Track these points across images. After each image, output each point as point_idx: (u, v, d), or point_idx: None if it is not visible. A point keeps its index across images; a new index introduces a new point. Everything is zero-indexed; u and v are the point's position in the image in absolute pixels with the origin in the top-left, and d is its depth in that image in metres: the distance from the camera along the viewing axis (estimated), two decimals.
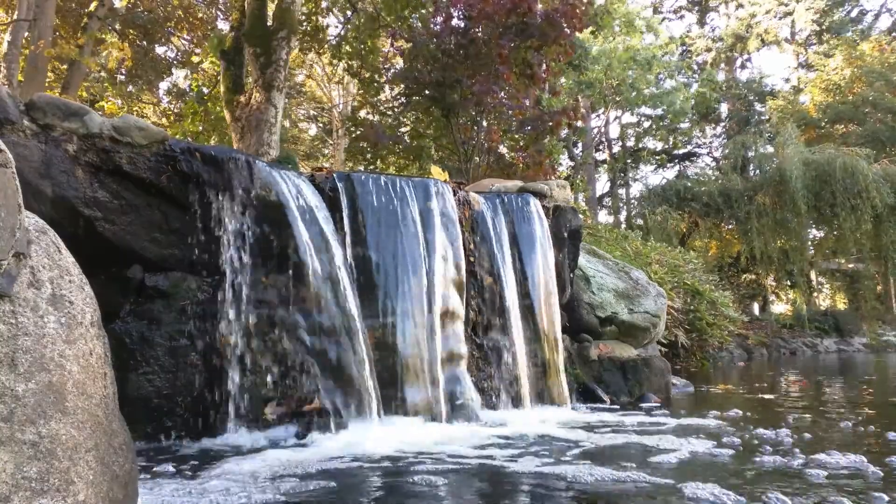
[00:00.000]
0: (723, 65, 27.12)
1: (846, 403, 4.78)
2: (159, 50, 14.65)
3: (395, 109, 12.03)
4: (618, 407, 4.67)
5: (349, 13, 13.68)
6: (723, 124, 26.61)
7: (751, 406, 4.55)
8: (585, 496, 2.05)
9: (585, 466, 2.41)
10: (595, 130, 23.65)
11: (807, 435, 3.15)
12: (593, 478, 2.23)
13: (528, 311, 4.46)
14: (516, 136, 10.98)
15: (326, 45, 13.96)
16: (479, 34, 8.93)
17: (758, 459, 2.56)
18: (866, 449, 2.77)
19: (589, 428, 3.52)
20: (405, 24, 11.32)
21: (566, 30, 9.17)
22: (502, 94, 9.35)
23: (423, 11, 11.02)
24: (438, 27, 9.28)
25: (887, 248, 16.40)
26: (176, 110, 15.98)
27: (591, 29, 19.23)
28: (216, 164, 3.37)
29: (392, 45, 10.61)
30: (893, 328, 18.89)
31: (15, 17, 8.53)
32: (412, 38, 9.66)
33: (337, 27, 14.79)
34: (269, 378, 3.29)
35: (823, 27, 24.98)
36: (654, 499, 1.99)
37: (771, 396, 5.43)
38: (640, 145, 25.55)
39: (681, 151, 26.00)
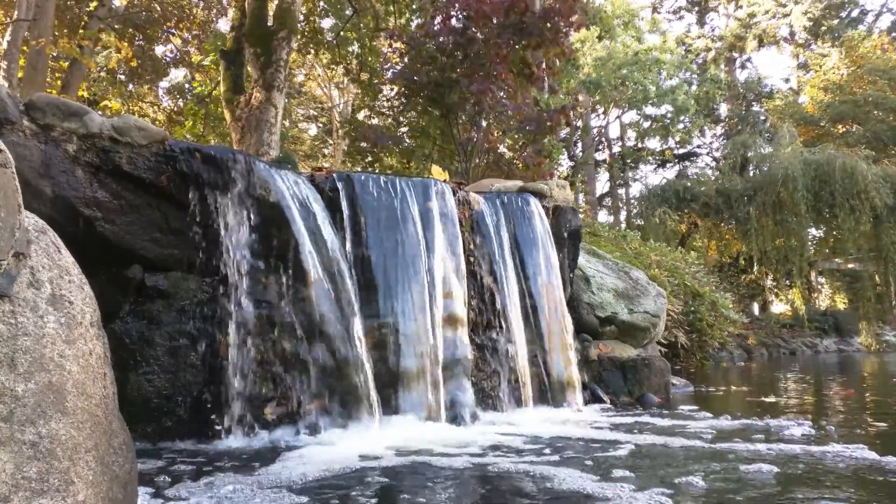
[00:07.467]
0: (723, 65, 27.11)
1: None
2: (158, 50, 14.67)
3: (395, 110, 12.02)
4: (620, 407, 4.67)
5: (348, 14, 13.68)
6: (722, 124, 26.62)
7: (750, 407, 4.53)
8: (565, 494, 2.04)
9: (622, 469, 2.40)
10: (595, 130, 23.63)
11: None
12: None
13: (532, 311, 4.45)
14: (515, 136, 10.98)
15: (325, 47, 13.97)
16: (478, 34, 8.93)
17: None
18: None
19: (597, 428, 3.52)
20: (405, 27, 11.33)
21: (564, 29, 9.17)
22: (501, 93, 9.34)
23: (423, 20, 11.03)
24: (437, 27, 9.28)
25: (887, 248, 16.39)
26: (176, 109, 15.99)
27: (596, 32, 19.27)
28: (216, 164, 3.37)
29: (390, 45, 10.60)
30: (893, 328, 18.88)
31: (15, 16, 8.52)
32: (410, 39, 9.67)
33: (337, 27, 14.78)
34: (268, 378, 3.29)
35: (821, 29, 24.98)
36: None
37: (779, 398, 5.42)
38: (641, 145, 25.54)
39: (681, 151, 26.00)
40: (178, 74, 17.19)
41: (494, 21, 8.81)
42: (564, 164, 22.05)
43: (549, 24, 8.87)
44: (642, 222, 19.04)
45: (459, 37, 8.99)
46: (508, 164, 10.11)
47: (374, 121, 13.63)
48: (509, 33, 8.81)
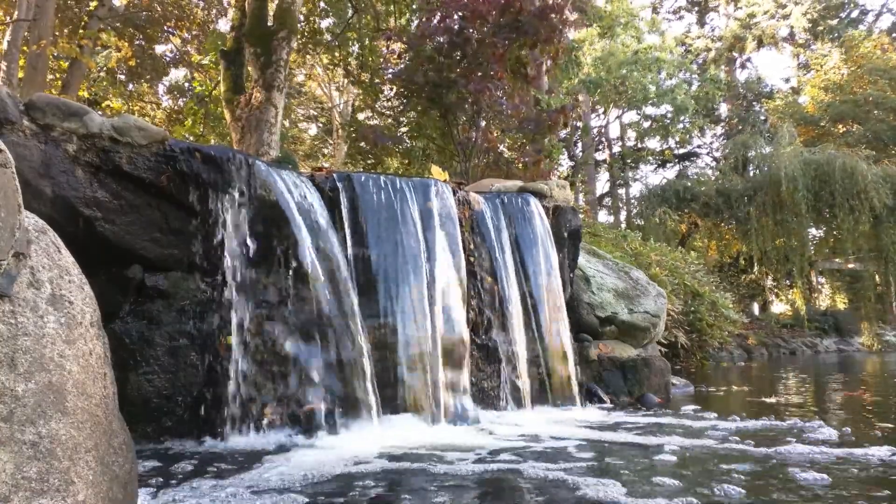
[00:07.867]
0: (723, 65, 27.10)
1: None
2: (158, 49, 14.68)
3: (395, 110, 12.03)
4: (620, 407, 4.66)
5: (349, 14, 13.68)
6: (722, 124, 26.62)
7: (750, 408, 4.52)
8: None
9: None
10: (595, 130, 23.63)
11: None
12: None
13: (532, 311, 4.45)
14: (514, 136, 10.98)
15: (325, 48, 13.97)
16: (473, 34, 8.93)
17: None
18: None
19: (597, 429, 3.51)
20: (405, 28, 11.33)
21: (559, 27, 9.17)
22: (499, 92, 9.34)
23: (423, 20, 11.04)
24: (433, 28, 9.28)
25: (887, 248, 16.39)
26: (176, 109, 15.99)
27: (596, 32, 19.28)
28: (216, 163, 3.37)
29: (387, 47, 10.60)
30: (894, 328, 18.88)
31: (15, 16, 8.52)
32: (409, 39, 9.67)
33: (337, 27, 14.78)
34: (268, 378, 3.29)
35: (820, 29, 24.99)
36: None
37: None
38: (641, 145, 25.54)
39: (681, 151, 26.00)
40: (178, 74, 17.20)
41: (490, 20, 8.82)
42: (564, 164, 22.05)
43: (545, 22, 8.87)
44: (642, 222, 19.03)
45: (456, 37, 8.99)
46: (508, 164, 10.11)
47: (375, 121, 13.63)
48: (505, 32, 8.81)
